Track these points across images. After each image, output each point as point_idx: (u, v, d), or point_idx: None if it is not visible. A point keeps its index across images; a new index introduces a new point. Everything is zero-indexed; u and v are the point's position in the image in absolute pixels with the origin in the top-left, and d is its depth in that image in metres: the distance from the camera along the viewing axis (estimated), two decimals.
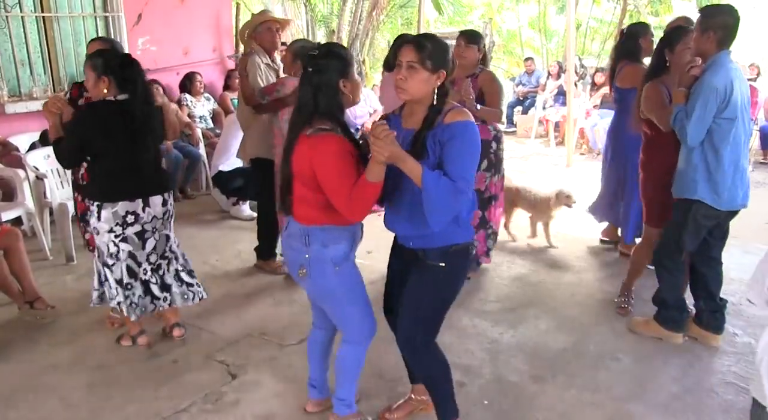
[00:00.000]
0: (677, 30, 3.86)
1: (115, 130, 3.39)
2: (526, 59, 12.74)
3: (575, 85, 9.41)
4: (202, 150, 7.08)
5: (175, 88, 7.65)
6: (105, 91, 3.39)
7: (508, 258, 5.15)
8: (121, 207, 3.44)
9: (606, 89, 8.01)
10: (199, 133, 7.28)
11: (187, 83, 7.57)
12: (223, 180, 6.26)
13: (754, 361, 2.23)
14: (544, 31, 15.94)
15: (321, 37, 12.73)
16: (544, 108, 10.84)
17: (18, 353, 3.68)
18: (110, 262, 3.54)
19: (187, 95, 7.53)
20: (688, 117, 3.35)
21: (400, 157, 2.26)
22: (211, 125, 7.66)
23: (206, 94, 7.79)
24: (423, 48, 2.34)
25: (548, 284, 4.62)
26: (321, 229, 2.56)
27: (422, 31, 9.94)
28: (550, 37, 16.23)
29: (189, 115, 7.42)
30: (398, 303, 2.69)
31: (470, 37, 4.34)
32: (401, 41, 2.48)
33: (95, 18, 6.97)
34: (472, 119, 2.40)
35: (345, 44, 11.76)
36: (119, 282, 3.56)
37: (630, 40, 4.75)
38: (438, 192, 2.27)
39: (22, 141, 5.78)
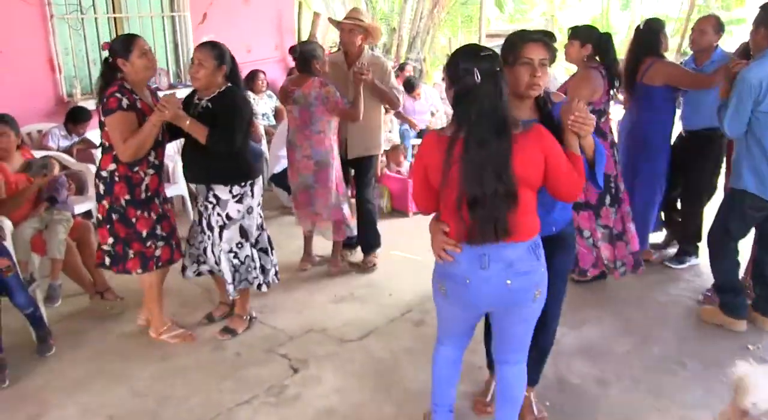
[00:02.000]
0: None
1: None
2: None
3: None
4: (264, 146, 7.18)
5: None
6: (220, 79, 3.51)
7: None
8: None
9: None
10: (261, 130, 7.39)
11: (250, 81, 7.69)
12: (279, 177, 6.36)
13: None
14: (607, 27, 15.62)
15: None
16: None
17: (90, 341, 3.83)
18: (255, 236, 3.80)
19: (250, 93, 7.63)
20: (725, 110, 3.49)
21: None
22: (273, 122, 7.76)
23: (268, 92, 7.89)
24: (550, 47, 2.45)
25: (611, 285, 4.53)
26: (538, 235, 2.43)
27: (483, 29, 9.91)
28: (614, 35, 15.91)
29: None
30: None
31: (573, 33, 4.29)
32: (527, 38, 2.45)
33: (162, 17, 7.16)
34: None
35: (406, 42, 11.77)
36: (265, 251, 3.89)
37: (652, 35, 4.56)
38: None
39: (93, 137, 5.97)
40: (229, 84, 3.55)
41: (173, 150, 5.47)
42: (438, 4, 11.76)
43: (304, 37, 9.13)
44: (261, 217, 3.85)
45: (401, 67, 9.26)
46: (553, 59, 2.46)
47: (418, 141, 8.04)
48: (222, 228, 3.66)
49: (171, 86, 6.84)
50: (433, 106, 8.29)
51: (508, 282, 2.33)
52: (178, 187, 5.90)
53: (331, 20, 5.42)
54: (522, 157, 2.23)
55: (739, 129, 3.50)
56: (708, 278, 4.23)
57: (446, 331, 2.68)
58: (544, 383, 3.28)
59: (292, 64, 8.40)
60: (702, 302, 4.19)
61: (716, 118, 3.71)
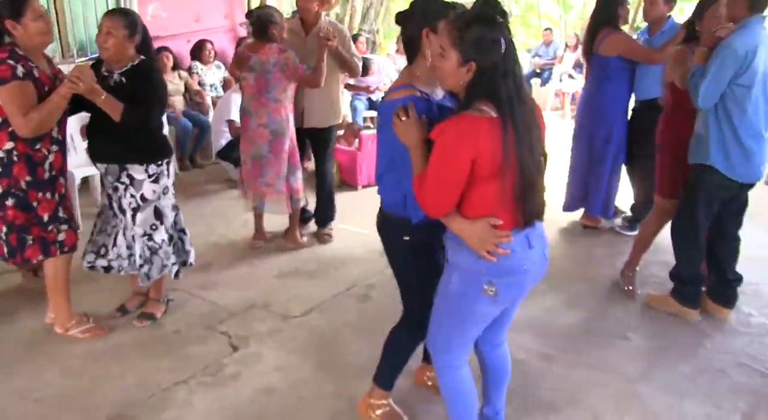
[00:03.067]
0: (706, 1, 3.69)
1: None
2: (545, 29, 12.48)
3: None
4: (212, 118, 6.99)
5: (185, 56, 7.55)
6: (132, 51, 3.29)
7: None
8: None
9: None
10: (209, 101, 7.20)
11: (198, 51, 7.47)
12: (225, 150, 6.20)
13: None
14: (562, 2, 15.61)
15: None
16: (560, 80, 10.64)
17: (22, 320, 3.66)
18: (171, 217, 3.56)
19: (197, 63, 7.43)
20: (703, 76, 3.27)
21: None
22: (222, 93, 7.56)
23: (217, 62, 7.68)
24: None
25: (557, 259, 4.49)
26: None
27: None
28: (569, 9, 15.88)
29: (199, 83, 7.33)
30: None
31: None
32: None
33: None
34: None
35: (359, 13, 11.56)
36: (184, 231, 3.67)
37: (610, 7, 4.61)
38: None
39: None
40: (142, 57, 3.32)
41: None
42: None
43: (255, 6, 8.87)
44: (174, 196, 3.60)
45: (354, 39, 9.05)
46: None
47: (372, 113, 7.94)
48: (136, 210, 3.40)
49: None
50: (387, 77, 8.16)
51: (546, 252, 2.27)
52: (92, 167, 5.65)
53: None
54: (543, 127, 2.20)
55: (712, 100, 3.30)
56: (655, 252, 4.22)
57: (468, 342, 2.38)
58: None
59: (243, 33, 8.27)
60: (630, 293, 4.04)
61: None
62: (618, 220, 5.14)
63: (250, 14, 4.66)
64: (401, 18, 2.34)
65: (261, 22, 4.31)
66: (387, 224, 2.50)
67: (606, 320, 3.72)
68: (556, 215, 5.34)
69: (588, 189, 4.99)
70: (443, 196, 2.07)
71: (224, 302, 3.88)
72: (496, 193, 2.06)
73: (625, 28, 4.95)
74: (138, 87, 3.23)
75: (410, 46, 2.30)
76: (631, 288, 4.02)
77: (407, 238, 2.41)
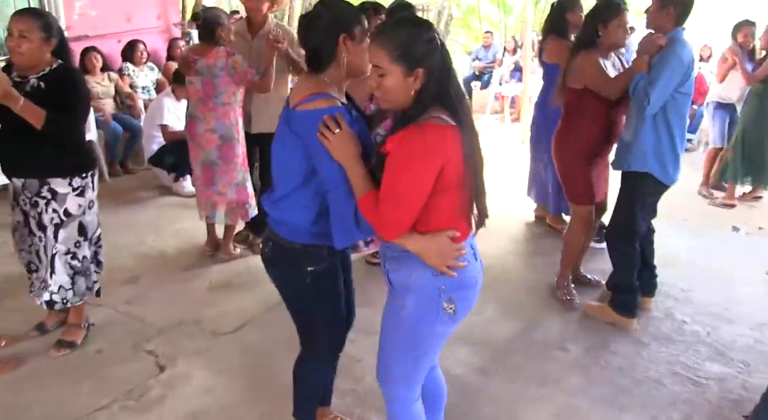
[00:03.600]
0: (612, 8, 3.69)
1: None
2: (486, 32, 12.54)
3: (532, 60, 9.26)
4: (143, 122, 6.74)
5: (116, 57, 7.27)
6: (48, 55, 3.06)
7: None
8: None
9: None
10: (141, 104, 6.95)
11: (129, 52, 7.20)
12: (157, 156, 6.00)
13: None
14: (502, 5, 15.74)
15: None
16: (500, 84, 10.69)
17: None
18: (95, 233, 3.35)
19: (129, 64, 7.16)
20: (651, 85, 3.28)
21: None
22: (155, 96, 7.31)
23: (150, 64, 7.42)
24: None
25: (496, 268, 4.48)
26: None
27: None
28: (509, 12, 16.04)
29: (131, 86, 7.07)
30: None
31: None
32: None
33: None
34: None
35: (297, 13, 11.39)
36: (101, 247, 3.47)
37: (556, 15, 4.65)
38: None
39: None
40: (60, 60, 3.11)
41: None
42: None
43: (189, 6, 8.64)
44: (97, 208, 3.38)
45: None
46: None
47: None
48: (58, 226, 3.15)
49: None
50: None
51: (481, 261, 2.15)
52: None
53: None
54: None
55: (659, 106, 3.34)
56: (598, 259, 4.21)
57: (425, 371, 2.22)
58: None
59: (177, 34, 8.03)
60: (569, 303, 3.98)
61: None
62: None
63: (196, 16, 4.50)
64: (305, 23, 2.12)
65: (207, 25, 4.16)
66: (284, 256, 2.23)
67: (545, 331, 3.68)
68: (501, 221, 5.32)
69: (549, 188, 5.05)
70: (406, 213, 1.89)
71: (152, 318, 3.71)
72: (455, 204, 1.95)
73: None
74: (60, 93, 3.01)
75: (318, 53, 2.10)
76: (569, 298, 3.99)
77: (311, 268, 2.20)
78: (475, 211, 2.01)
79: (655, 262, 3.88)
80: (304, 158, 2.07)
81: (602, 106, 3.65)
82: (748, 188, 6.24)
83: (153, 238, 4.95)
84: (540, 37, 4.97)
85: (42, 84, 3.03)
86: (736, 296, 4.16)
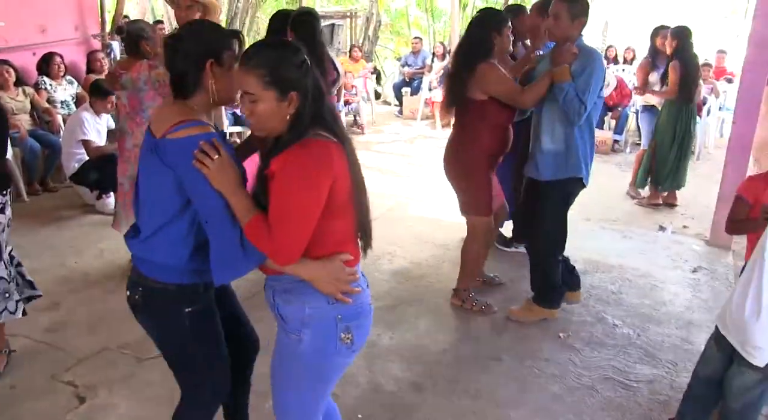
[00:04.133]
0: (502, 15, 3.77)
1: None
2: (414, 38, 12.59)
3: None
4: (62, 139, 6.47)
5: (31, 70, 6.95)
6: None
7: (389, 250, 4.93)
8: None
9: None
10: (60, 119, 6.66)
11: (45, 65, 6.90)
12: (79, 174, 5.77)
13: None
14: (431, 11, 15.87)
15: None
16: (430, 89, 10.72)
17: None
18: (7, 252, 3.17)
19: (45, 78, 6.85)
20: (584, 93, 3.35)
21: None
22: (75, 111, 7.04)
23: (68, 77, 7.12)
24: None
25: (430, 277, 4.46)
26: None
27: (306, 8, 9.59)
28: (438, 17, 16.18)
29: (48, 101, 6.76)
30: None
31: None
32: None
33: None
34: None
35: (223, 23, 11.22)
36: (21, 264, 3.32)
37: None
38: None
39: None
40: None
41: None
42: None
43: (108, 17, 8.37)
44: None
45: None
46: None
47: (237, 128, 7.69)
48: None
49: None
50: None
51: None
52: None
53: None
54: None
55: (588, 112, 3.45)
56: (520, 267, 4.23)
57: (323, 407, 2.12)
58: (357, 393, 3.11)
59: (97, 46, 7.76)
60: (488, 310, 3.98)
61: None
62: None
63: (119, 30, 4.37)
64: (171, 46, 1.96)
65: (131, 38, 4.08)
66: (158, 300, 2.04)
67: (478, 342, 3.66)
68: (434, 228, 5.31)
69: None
70: (299, 237, 1.79)
71: (72, 346, 3.51)
72: (346, 225, 1.90)
73: None
74: None
75: (184, 79, 1.95)
76: (483, 306, 3.97)
77: (189, 309, 2.04)
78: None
79: (587, 266, 3.94)
80: (176, 190, 1.90)
81: (504, 116, 3.66)
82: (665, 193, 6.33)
83: (75, 259, 4.73)
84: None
85: None
86: (664, 296, 4.25)
